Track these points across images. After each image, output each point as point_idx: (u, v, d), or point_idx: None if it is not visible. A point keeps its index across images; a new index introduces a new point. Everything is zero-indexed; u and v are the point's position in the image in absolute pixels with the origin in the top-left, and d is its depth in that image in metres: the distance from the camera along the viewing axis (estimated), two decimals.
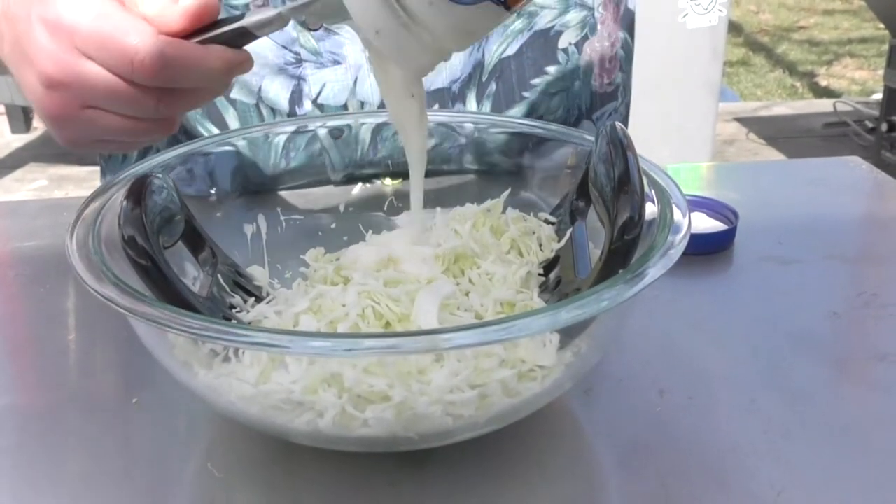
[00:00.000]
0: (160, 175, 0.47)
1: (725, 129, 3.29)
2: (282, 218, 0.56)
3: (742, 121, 3.42)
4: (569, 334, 0.41)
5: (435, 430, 0.39)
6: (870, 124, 3.15)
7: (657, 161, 0.48)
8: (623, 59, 0.76)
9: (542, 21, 0.69)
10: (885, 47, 3.04)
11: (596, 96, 0.74)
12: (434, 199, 0.56)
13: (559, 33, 0.70)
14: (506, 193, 0.54)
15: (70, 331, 0.55)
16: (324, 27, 0.65)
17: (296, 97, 0.67)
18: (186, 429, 0.45)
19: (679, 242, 0.41)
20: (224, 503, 0.41)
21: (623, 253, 0.42)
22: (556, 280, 0.49)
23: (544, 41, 0.70)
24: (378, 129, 0.67)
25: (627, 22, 0.76)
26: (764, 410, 0.46)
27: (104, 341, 0.54)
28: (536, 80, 0.71)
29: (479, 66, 0.69)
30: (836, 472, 0.42)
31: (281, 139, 0.65)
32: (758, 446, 0.43)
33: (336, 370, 0.39)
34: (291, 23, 0.52)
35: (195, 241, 0.49)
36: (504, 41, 0.69)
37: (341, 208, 0.58)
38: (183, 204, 0.48)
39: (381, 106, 0.67)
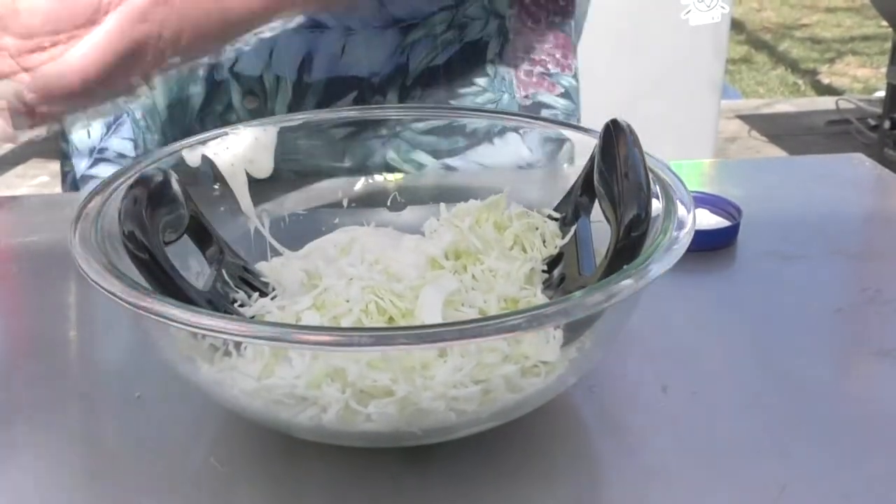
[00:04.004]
0: (164, 170, 0.47)
1: (728, 126, 3.29)
2: (285, 213, 0.56)
3: (744, 118, 3.42)
4: (573, 330, 0.41)
5: (438, 425, 0.39)
6: (872, 122, 3.15)
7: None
8: (552, 79, 0.75)
9: (472, 33, 0.69)
10: (888, 45, 3.04)
11: (522, 110, 0.73)
12: (437, 196, 0.56)
13: (486, 43, 0.70)
14: (508, 189, 0.53)
15: (72, 325, 0.55)
16: None
17: (213, 63, 0.67)
18: (189, 423, 0.45)
19: (683, 238, 0.40)
20: (227, 497, 0.41)
21: (630, 250, 0.42)
22: (561, 277, 0.49)
23: (473, 52, 0.70)
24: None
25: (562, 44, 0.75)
26: (768, 406, 0.46)
27: (106, 336, 0.54)
28: (465, 90, 0.71)
29: (402, 69, 0.69)
30: (840, 468, 0.42)
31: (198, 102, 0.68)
32: (762, 442, 0.43)
33: (339, 365, 0.39)
34: None
35: (202, 236, 0.49)
36: (433, 51, 0.69)
37: (344, 204, 0.58)
38: (188, 199, 0.48)
39: (299, 81, 0.68)
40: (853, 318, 0.54)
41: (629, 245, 0.42)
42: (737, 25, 4.56)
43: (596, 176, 0.48)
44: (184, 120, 0.70)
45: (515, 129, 0.70)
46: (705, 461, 0.42)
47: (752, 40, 4.64)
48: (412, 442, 0.41)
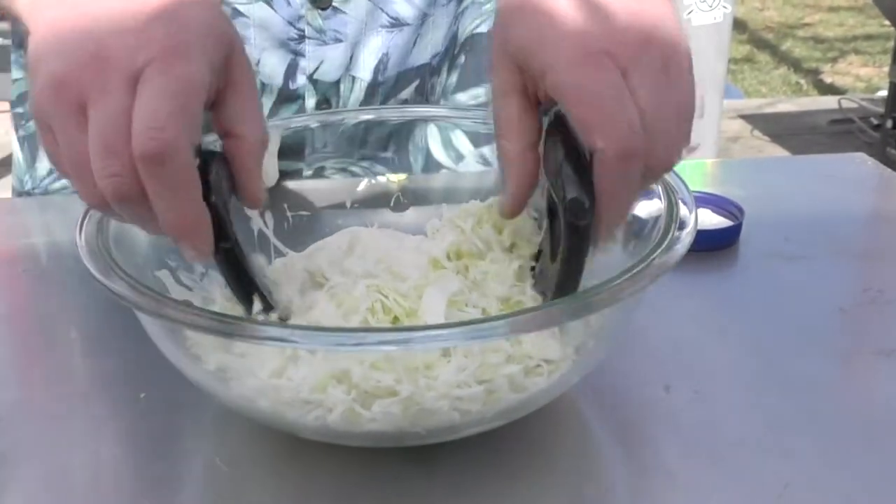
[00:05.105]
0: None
1: (730, 126, 3.28)
2: (288, 214, 0.56)
3: (747, 118, 3.41)
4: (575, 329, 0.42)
5: (442, 425, 0.40)
6: (875, 121, 3.14)
7: None
8: None
9: None
10: (891, 44, 3.03)
11: None
12: (440, 196, 0.57)
13: None
14: None
15: (77, 327, 0.55)
16: (332, 6, 0.66)
17: (291, 71, 0.67)
18: (194, 424, 0.46)
19: (685, 238, 0.41)
20: (232, 497, 0.41)
21: (576, 232, 0.39)
22: (540, 272, 0.49)
23: None
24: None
25: None
26: (770, 405, 0.46)
27: (112, 337, 0.54)
28: None
29: (453, 40, 0.69)
30: (842, 466, 0.42)
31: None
32: (764, 440, 0.43)
33: (344, 366, 0.39)
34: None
35: (217, 232, 0.49)
36: (478, 17, 0.69)
37: (347, 204, 0.58)
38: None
39: (374, 81, 0.68)
40: (855, 317, 0.54)
41: (574, 228, 0.39)
42: (739, 25, 4.55)
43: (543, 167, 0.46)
44: None
45: None
46: (708, 460, 0.42)
47: (754, 40, 4.63)
48: (416, 442, 0.41)
